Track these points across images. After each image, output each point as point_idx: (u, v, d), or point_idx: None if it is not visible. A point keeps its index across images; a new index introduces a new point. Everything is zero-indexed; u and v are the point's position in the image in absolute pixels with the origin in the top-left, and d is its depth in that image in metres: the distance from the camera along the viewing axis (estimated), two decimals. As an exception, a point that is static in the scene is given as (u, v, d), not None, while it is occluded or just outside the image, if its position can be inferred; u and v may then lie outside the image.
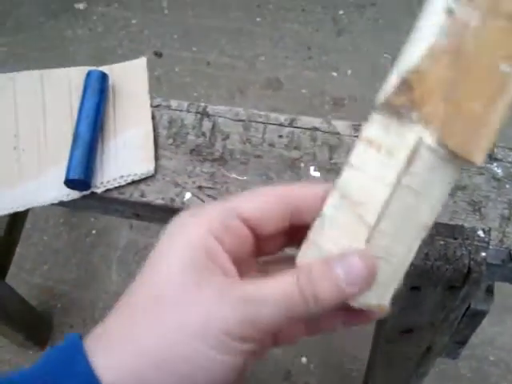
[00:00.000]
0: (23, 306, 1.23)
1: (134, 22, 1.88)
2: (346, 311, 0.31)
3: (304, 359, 1.31)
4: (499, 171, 0.56)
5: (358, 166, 0.29)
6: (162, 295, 0.28)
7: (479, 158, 0.27)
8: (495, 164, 0.56)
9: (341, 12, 1.86)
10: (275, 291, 0.27)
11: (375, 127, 0.28)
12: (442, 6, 0.26)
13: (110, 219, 1.47)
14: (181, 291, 0.27)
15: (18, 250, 1.19)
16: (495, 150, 0.57)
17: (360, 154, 0.29)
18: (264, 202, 0.31)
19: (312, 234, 0.30)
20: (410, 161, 0.27)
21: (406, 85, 0.26)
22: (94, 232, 1.48)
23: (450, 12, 0.26)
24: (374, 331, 0.81)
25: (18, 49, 1.82)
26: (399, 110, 0.27)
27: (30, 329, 1.25)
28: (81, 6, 1.91)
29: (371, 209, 0.28)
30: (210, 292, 0.27)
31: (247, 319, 0.27)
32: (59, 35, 1.85)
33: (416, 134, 0.27)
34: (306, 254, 0.30)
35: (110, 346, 0.27)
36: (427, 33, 0.26)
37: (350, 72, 1.75)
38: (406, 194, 0.27)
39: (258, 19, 1.87)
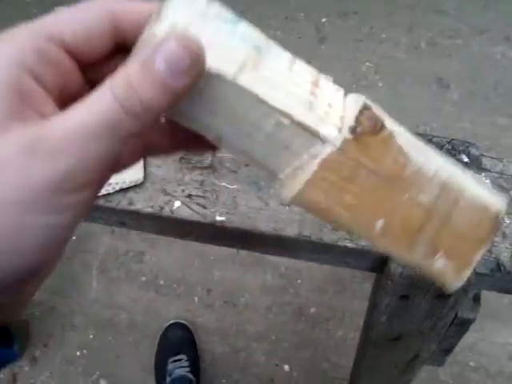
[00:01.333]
0: None
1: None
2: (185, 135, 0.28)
3: (287, 367, 1.31)
4: (487, 181, 0.57)
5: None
6: None
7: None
8: (483, 174, 0.57)
9: (323, 20, 1.87)
10: (93, 120, 0.23)
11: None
12: None
13: (90, 225, 1.46)
14: None
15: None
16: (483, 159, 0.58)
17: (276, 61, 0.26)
18: (84, 20, 0.25)
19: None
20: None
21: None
22: (73, 238, 1.46)
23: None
24: (361, 338, 0.81)
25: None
26: (356, 127, 0.27)
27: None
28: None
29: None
30: (19, 149, 0.22)
31: (75, 167, 0.23)
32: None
33: (334, 129, 0.26)
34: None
35: None
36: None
37: (332, 80, 1.76)
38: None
39: (240, 25, 1.87)
